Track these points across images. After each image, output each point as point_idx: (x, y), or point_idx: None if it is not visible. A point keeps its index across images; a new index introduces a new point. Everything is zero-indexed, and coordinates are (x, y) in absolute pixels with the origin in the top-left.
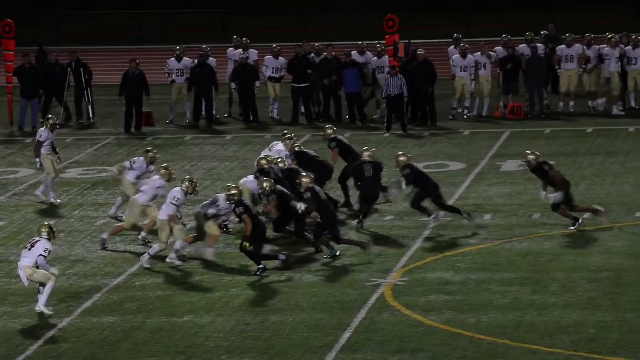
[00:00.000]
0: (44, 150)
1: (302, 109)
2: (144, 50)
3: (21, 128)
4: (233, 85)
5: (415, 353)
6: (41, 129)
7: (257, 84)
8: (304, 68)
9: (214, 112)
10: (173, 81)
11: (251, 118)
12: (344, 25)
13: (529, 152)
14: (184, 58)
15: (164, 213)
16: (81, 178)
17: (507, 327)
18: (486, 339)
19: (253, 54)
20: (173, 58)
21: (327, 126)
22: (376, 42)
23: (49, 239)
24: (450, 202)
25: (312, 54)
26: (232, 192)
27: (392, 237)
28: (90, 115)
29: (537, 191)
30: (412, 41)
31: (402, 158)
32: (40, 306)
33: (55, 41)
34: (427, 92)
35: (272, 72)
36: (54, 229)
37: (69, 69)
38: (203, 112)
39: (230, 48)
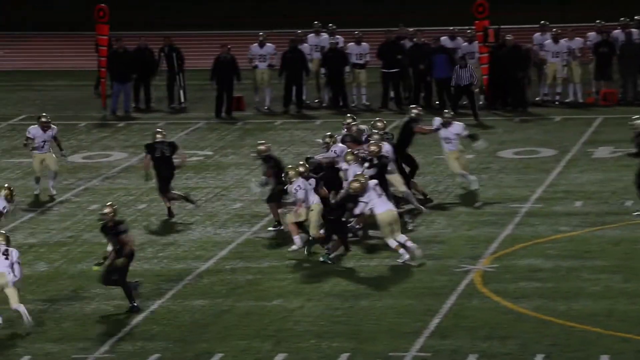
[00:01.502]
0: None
1: (392, 95)
2: (236, 35)
3: (114, 112)
4: (323, 70)
5: (505, 340)
6: (31, 126)
7: (347, 69)
8: (395, 53)
9: (304, 98)
10: (256, 67)
11: (341, 103)
12: (433, 10)
13: (261, 142)
14: (267, 44)
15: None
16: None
17: (599, 315)
18: (577, 327)
19: (339, 40)
20: (256, 44)
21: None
22: (467, 27)
23: (7, 200)
24: (540, 189)
25: (406, 39)
26: (106, 210)
27: (482, 223)
28: (182, 100)
29: (630, 178)
30: (502, 27)
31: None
32: None
33: (149, 26)
34: (517, 78)
35: (356, 59)
36: (14, 191)
37: (162, 54)
38: (293, 98)
39: (311, 34)
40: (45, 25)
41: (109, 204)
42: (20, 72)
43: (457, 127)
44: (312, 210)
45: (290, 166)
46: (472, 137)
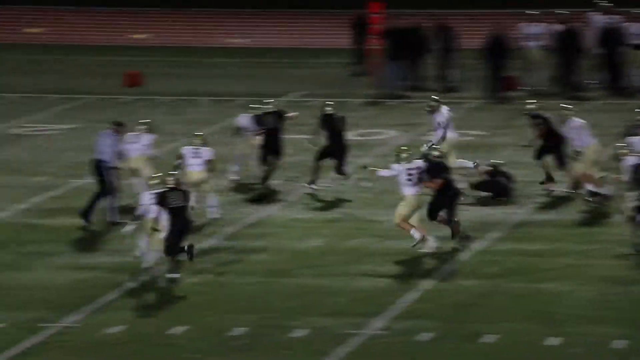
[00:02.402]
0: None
1: None
2: (508, 14)
3: (388, 90)
4: (600, 50)
5: None
6: (241, 115)
7: (625, 49)
8: None
9: (578, 78)
10: (526, 46)
11: (617, 85)
12: None
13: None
14: (538, 23)
15: None
16: None
17: None
18: None
19: (616, 19)
20: (526, 23)
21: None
22: None
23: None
24: None
25: None
26: (154, 182)
27: None
28: (454, 79)
29: None
30: None
31: None
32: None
33: (422, 5)
34: None
35: (635, 39)
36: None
37: (434, 33)
38: (566, 79)
39: (594, 13)
40: (313, 3)
41: (162, 174)
42: (288, 49)
43: None
44: (402, 200)
45: (404, 147)
46: None
